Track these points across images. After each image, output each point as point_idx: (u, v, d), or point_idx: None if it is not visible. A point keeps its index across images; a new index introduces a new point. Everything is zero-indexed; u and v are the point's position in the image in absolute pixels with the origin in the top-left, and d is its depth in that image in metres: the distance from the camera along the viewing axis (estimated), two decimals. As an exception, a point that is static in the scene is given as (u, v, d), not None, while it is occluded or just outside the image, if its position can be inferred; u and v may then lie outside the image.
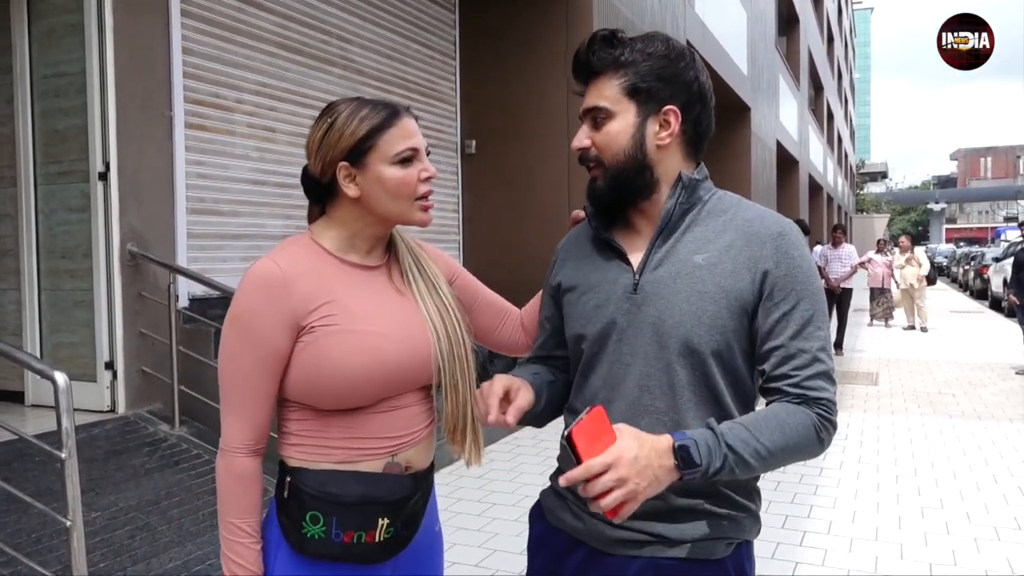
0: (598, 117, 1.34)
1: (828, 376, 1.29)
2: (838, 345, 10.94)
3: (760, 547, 3.88)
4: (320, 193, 1.44)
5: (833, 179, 40.01)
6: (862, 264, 14.86)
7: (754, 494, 1.39)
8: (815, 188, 32.22)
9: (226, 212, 5.33)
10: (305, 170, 1.45)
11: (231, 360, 1.37)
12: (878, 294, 14.34)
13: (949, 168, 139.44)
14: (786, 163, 23.60)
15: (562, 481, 1.16)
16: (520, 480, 4.78)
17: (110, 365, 4.46)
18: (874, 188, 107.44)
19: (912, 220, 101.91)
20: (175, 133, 4.83)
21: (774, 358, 1.28)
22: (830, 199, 38.01)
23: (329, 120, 1.40)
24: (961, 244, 53.77)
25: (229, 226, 5.36)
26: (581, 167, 1.40)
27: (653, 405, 1.30)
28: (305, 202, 1.51)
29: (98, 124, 4.42)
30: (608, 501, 1.11)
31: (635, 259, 1.36)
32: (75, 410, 2.68)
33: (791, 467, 5.32)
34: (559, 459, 1.32)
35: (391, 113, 1.39)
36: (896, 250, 14.33)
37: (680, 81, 1.36)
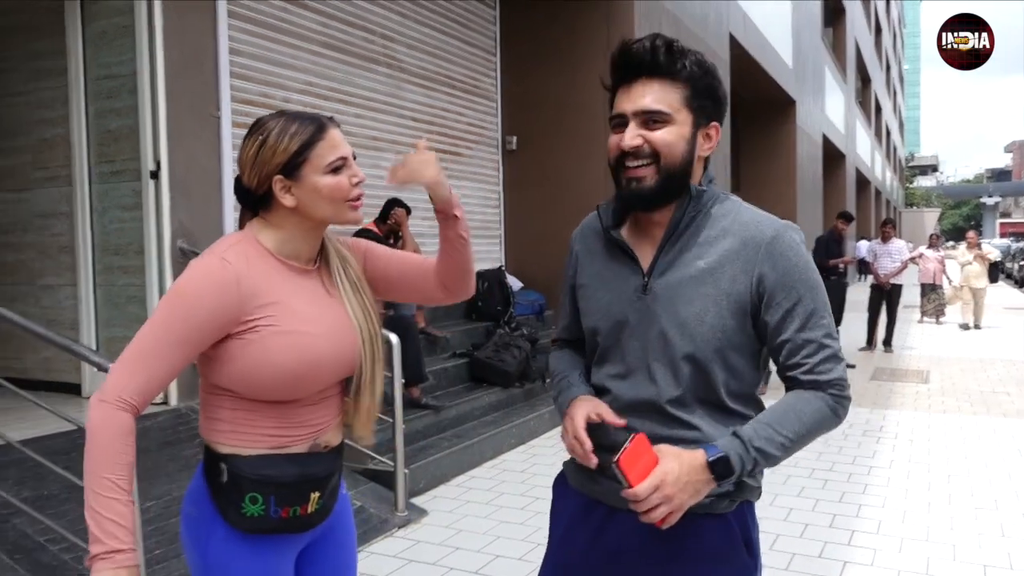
0: (654, 119, 1.40)
1: (836, 358, 1.41)
2: (887, 342, 10.71)
3: (807, 546, 3.84)
4: (255, 203, 1.53)
5: (881, 173, 39.17)
6: (913, 259, 14.53)
7: None
8: (862, 182, 31.59)
9: (272, 209, 5.41)
10: (239, 181, 1.53)
11: (157, 327, 1.42)
12: (929, 290, 14.00)
13: (1003, 160, 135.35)
14: (832, 157, 23.17)
15: (589, 464, 1.39)
16: (532, 482, 4.77)
17: (162, 359, 4.56)
18: (924, 182, 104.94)
19: (964, 215, 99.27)
20: (223, 132, 4.92)
21: (785, 351, 1.41)
22: (878, 193, 37.23)
23: (261, 137, 1.48)
24: (1016, 239, 52.22)
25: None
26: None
27: (660, 396, 1.43)
28: None
29: (149, 124, 4.53)
30: (656, 515, 1.28)
31: (644, 261, 1.46)
32: (130, 402, 2.75)
33: (839, 466, 5.24)
34: (589, 432, 1.45)
35: (318, 127, 1.48)
36: (961, 245, 13.88)
37: (722, 100, 1.47)
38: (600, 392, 1.52)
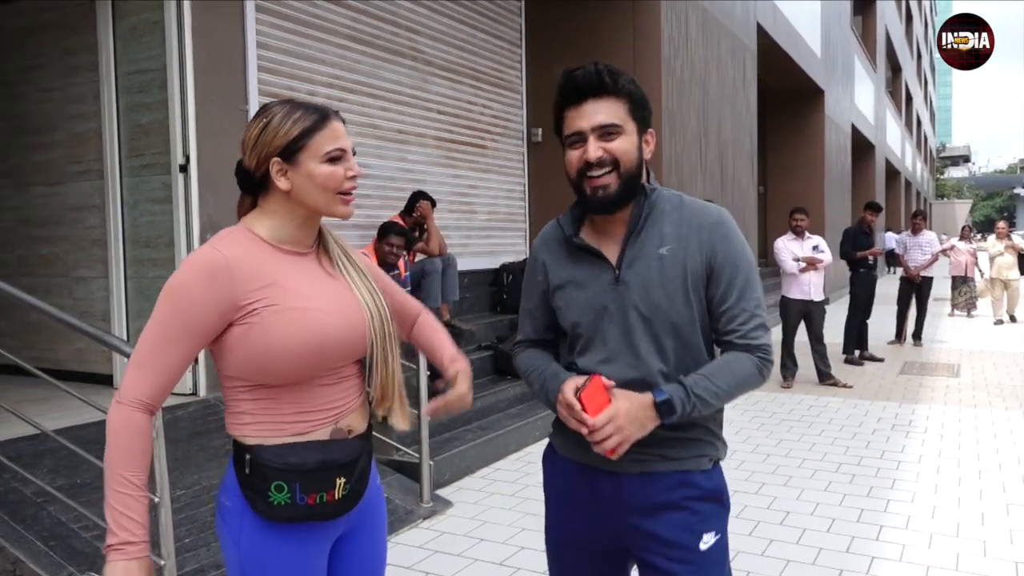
0: (610, 132, 1.62)
1: (764, 327, 1.67)
2: (917, 336, 10.55)
3: (834, 541, 3.82)
4: (253, 186, 1.57)
5: (911, 164, 38.57)
6: (944, 252, 14.31)
7: (719, 425, 1.77)
8: (892, 173, 31.13)
9: (299, 202, 5.46)
10: (240, 164, 1.57)
11: (159, 324, 1.47)
12: (960, 283, 13.77)
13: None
14: (861, 148, 22.85)
15: (583, 431, 1.55)
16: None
17: (191, 350, 4.62)
18: (955, 173, 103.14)
19: (996, 206, 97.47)
20: (251, 126, 4.96)
21: (724, 318, 1.65)
22: (908, 184, 36.68)
23: (265, 120, 1.52)
24: (1050, 231, 51.17)
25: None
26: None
27: (644, 365, 1.65)
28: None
29: (178, 119, 4.59)
30: (609, 444, 1.54)
31: (610, 256, 1.68)
32: (161, 392, 2.79)
33: (867, 461, 5.19)
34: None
35: (322, 116, 1.53)
36: (991, 237, 13.58)
37: (651, 111, 1.71)
38: (590, 372, 1.68)
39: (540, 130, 8.36)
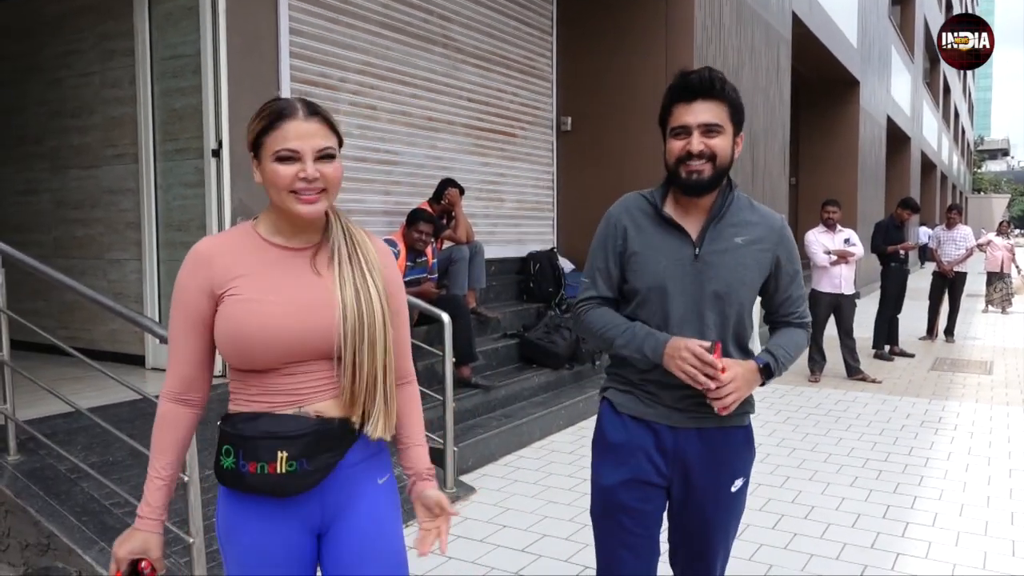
0: (712, 129, 1.88)
1: (808, 305, 2.10)
2: (949, 332, 10.38)
3: (859, 536, 3.79)
4: None
5: (948, 157, 37.83)
6: (980, 247, 14.04)
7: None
8: (928, 166, 30.56)
9: (329, 188, 5.49)
10: None
11: (171, 319, 1.64)
12: (996, 279, 13.52)
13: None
14: (897, 140, 22.44)
15: (711, 385, 1.82)
16: (580, 463, 4.78)
17: (222, 333, 4.69)
18: (993, 166, 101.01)
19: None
20: (282, 112, 5.00)
21: (787, 302, 2.04)
22: (944, 178, 36.00)
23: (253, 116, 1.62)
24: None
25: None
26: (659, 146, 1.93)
27: (709, 336, 1.92)
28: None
29: (211, 104, 4.64)
30: (729, 400, 1.83)
31: (692, 235, 1.94)
32: (192, 374, 2.84)
33: (895, 457, 5.14)
34: (618, 368, 2.05)
35: (277, 117, 1.56)
36: None
37: (744, 118, 1.97)
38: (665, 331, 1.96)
39: (569, 119, 8.32)
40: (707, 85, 1.88)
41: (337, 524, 1.64)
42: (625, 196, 2.05)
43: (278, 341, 1.54)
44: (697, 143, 1.87)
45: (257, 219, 1.66)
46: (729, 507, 2.03)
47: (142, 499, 1.63)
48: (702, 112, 1.87)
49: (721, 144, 1.88)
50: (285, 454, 1.54)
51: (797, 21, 11.56)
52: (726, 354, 1.92)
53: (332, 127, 1.60)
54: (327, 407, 1.60)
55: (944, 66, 32.60)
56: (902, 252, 9.01)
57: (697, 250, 1.92)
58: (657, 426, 1.97)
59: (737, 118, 1.93)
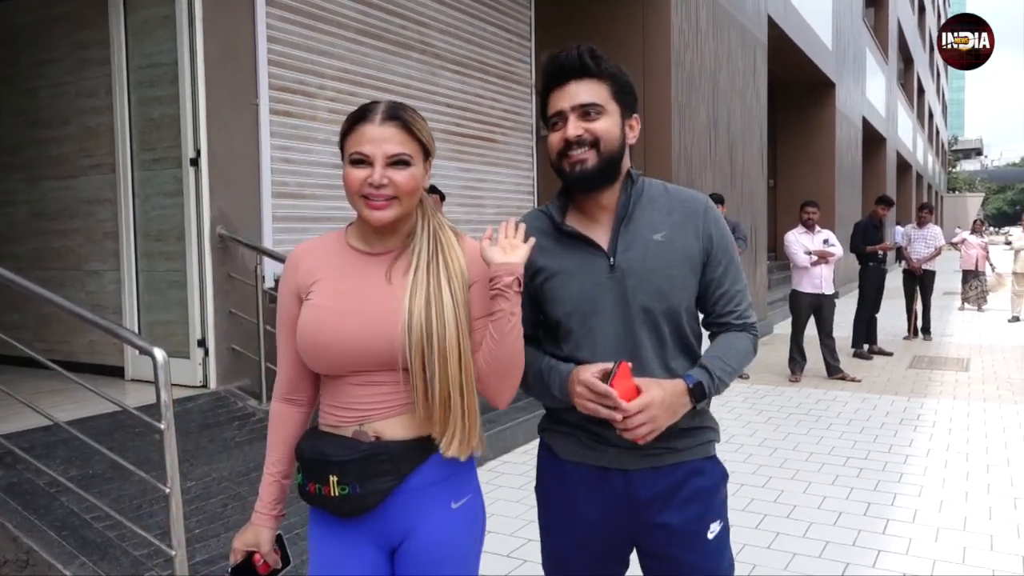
0: (592, 112, 1.61)
1: (751, 304, 1.76)
2: (925, 330, 10.51)
3: (840, 534, 3.83)
4: None
5: (923, 157, 38.30)
6: (955, 245, 14.23)
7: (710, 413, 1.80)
8: (903, 166, 30.93)
9: (309, 196, 5.49)
10: None
11: (276, 323, 1.69)
12: (971, 277, 13.69)
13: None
14: (873, 140, 22.71)
15: (616, 417, 1.51)
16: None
17: (202, 343, 4.67)
18: (968, 166, 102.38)
19: (1009, 199, 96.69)
20: (261, 120, 4.99)
21: (722, 300, 1.71)
22: (919, 177, 36.44)
23: None
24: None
25: (312, 209, 5.52)
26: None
27: (648, 358, 1.64)
28: None
29: (189, 112, 4.61)
30: (641, 432, 1.52)
31: (602, 244, 1.66)
32: (171, 385, 2.83)
33: (875, 455, 5.19)
34: (554, 409, 1.75)
35: (356, 119, 1.55)
36: (1017, 229, 13.13)
37: (636, 97, 1.71)
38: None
39: (549, 123, 8.35)
40: (576, 64, 1.62)
41: (403, 547, 1.59)
42: (525, 214, 1.77)
43: (332, 348, 1.54)
44: (573, 128, 1.60)
45: (351, 224, 1.67)
46: (710, 557, 1.68)
47: (258, 497, 1.69)
48: (576, 92, 1.61)
49: (603, 127, 1.61)
50: (336, 478, 1.53)
51: (772, 24, 11.67)
52: (667, 373, 1.63)
53: (413, 134, 1.55)
54: (390, 426, 1.55)
55: (917, 67, 33.04)
56: (880, 252, 9.12)
57: (612, 260, 1.63)
58: (606, 472, 1.68)
59: (622, 97, 1.65)
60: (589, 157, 1.60)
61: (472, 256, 1.61)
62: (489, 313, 1.55)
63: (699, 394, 1.60)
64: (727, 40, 9.78)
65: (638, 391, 1.53)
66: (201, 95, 4.58)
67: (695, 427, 1.70)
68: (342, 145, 1.57)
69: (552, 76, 1.65)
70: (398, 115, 1.54)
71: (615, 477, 1.67)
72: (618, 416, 1.51)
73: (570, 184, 1.66)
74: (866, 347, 9.21)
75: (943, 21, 50.24)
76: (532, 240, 1.59)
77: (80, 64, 5.20)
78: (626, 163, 1.68)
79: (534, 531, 3.91)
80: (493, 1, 7.63)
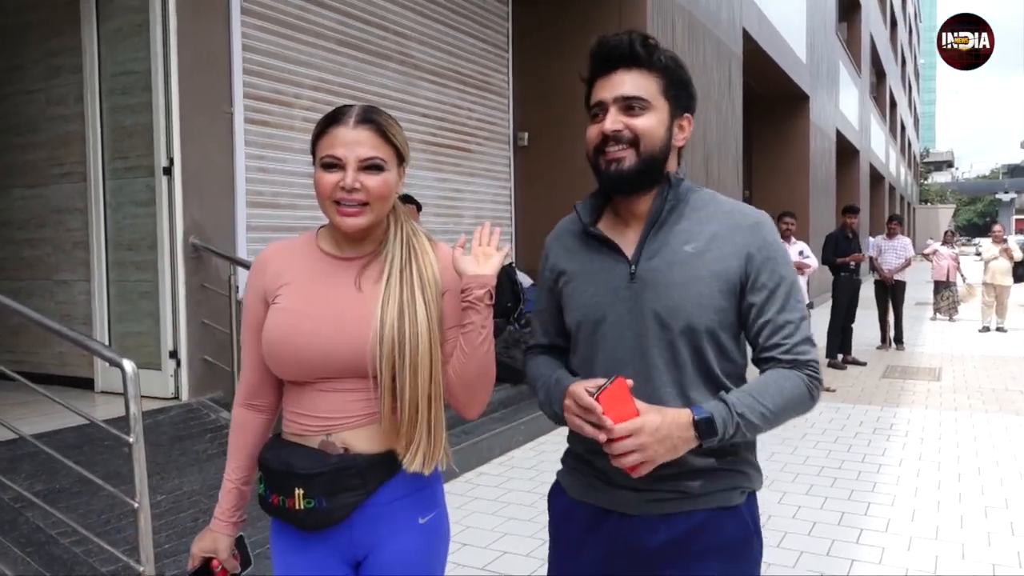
0: (635, 106, 1.45)
1: (811, 340, 1.47)
2: (898, 340, 10.64)
3: (815, 544, 3.84)
4: None
5: (896, 168, 38.87)
6: (926, 256, 14.43)
7: (754, 449, 1.54)
8: (876, 178, 31.35)
9: (284, 205, 5.45)
10: None
11: (241, 326, 1.65)
12: (943, 287, 13.88)
13: (1020, 156, 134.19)
14: (846, 152, 23.01)
15: (600, 437, 1.33)
16: (540, 479, 4.78)
17: (174, 354, 4.61)
18: (939, 178, 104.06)
19: (979, 211, 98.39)
20: (236, 129, 4.95)
21: (766, 331, 1.44)
22: (892, 189, 36.95)
23: None
24: (1032, 236, 51.72)
25: (287, 219, 5.48)
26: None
27: (660, 380, 1.44)
28: None
29: (163, 120, 4.56)
30: (627, 461, 1.32)
31: (627, 251, 1.49)
32: (141, 397, 2.78)
33: (849, 464, 5.22)
34: (569, 438, 1.60)
35: (328, 121, 1.50)
36: (985, 241, 13.23)
37: (694, 94, 1.54)
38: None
39: (526, 134, 8.37)
40: (626, 51, 1.46)
41: (368, 560, 1.55)
42: (565, 217, 1.66)
43: (300, 352, 1.49)
44: (612, 121, 1.44)
45: (322, 227, 1.62)
46: None
47: (217, 503, 1.66)
48: (621, 83, 1.45)
49: (646, 124, 1.44)
50: (302, 491, 1.48)
51: (747, 37, 11.80)
52: (683, 402, 1.42)
53: (388, 138, 1.50)
54: (358, 437, 1.51)
55: (890, 80, 33.57)
56: (852, 263, 9.22)
57: (633, 268, 1.46)
58: (607, 515, 1.50)
59: (674, 93, 1.49)
60: (627, 156, 1.44)
61: (446, 263, 1.57)
62: (460, 324, 1.53)
63: (706, 430, 1.34)
64: (703, 52, 9.87)
65: (638, 413, 1.34)
66: (175, 103, 4.53)
67: (720, 469, 1.45)
68: (314, 149, 1.52)
69: (599, 62, 1.49)
70: (372, 118, 1.49)
71: (617, 521, 1.49)
72: (602, 436, 1.33)
73: (604, 184, 1.51)
74: (840, 357, 9.29)
75: (914, 35, 51.14)
76: (506, 248, 1.55)
77: (51, 71, 5.14)
78: (670, 166, 1.51)
79: (509, 544, 3.90)
80: (471, 13, 7.64)
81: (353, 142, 1.47)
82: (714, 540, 1.44)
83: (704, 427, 1.34)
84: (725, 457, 1.45)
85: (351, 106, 1.52)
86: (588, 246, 1.54)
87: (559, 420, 1.50)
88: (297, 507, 1.48)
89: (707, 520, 1.44)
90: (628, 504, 1.47)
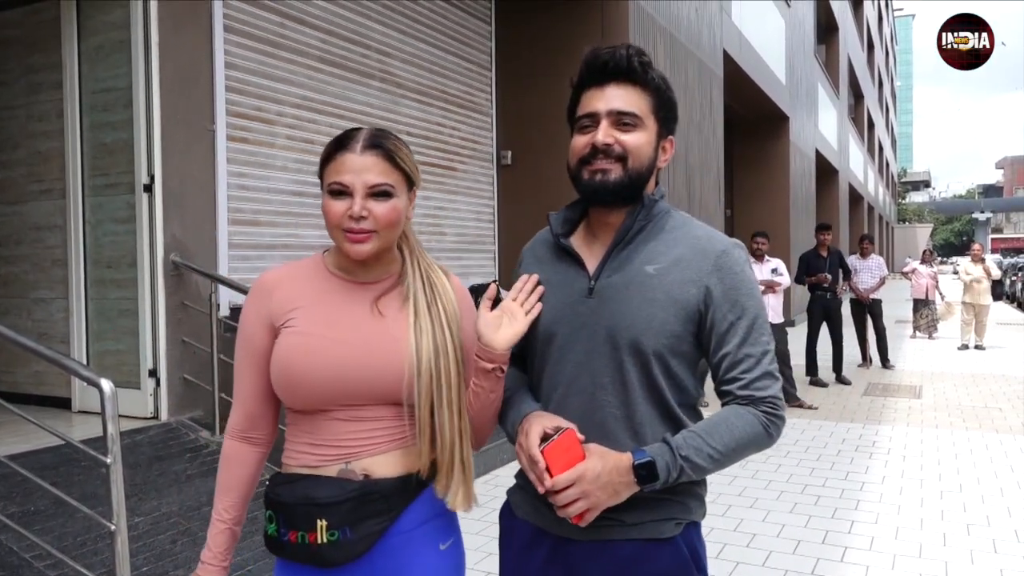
0: (626, 121, 1.44)
1: (772, 375, 1.43)
2: (884, 358, 10.66)
3: (800, 563, 3.83)
4: None
5: (874, 188, 39.36)
6: (905, 275, 14.58)
7: (701, 480, 1.48)
8: (855, 198, 31.73)
9: (265, 223, 5.42)
10: None
11: (235, 355, 1.55)
12: (921, 306, 14.02)
13: (995, 177, 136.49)
14: (825, 173, 23.28)
15: (539, 489, 1.35)
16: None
17: (153, 373, 4.55)
18: (917, 197, 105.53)
19: (956, 230, 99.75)
20: (218, 146, 4.93)
21: (725, 364, 1.41)
22: (871, 208, 37.40)
23: None
24: (1009, 255, 52.47)
25: (269, 237, 5.45)
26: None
27: (606, 400, 1.42)
28: None
29: (143, 137, 4.53)
30: (571, 510, 1.33)
31: (591, 266, 1.48)
32: (119, 416, 2.74)
33: (832, 482, 5.23)
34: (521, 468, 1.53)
35: (336, 147, 1.46)
36: (963, 260, 13.24)
37: (676, 119, 1.53)
38: (544, 404, 1.50)
39: (509, 152, 8.40)
40: (623, 65, 1.45)
41: None
42: (545, 228, 1.64)
43: (331, 378, 1.42)
44: (604, 134, 1.43)
45: (328, 249, 1.57)
46: None
47: (205, 544, 1.53)
48: (615, 96, 1.44)
49: (636, 141, 1.43)
50: (325, 523, 1.39)
51: (728, 59, 11.94)
52: (627, 424, 1.42)
53: (396, 163, 1.46)
54: (378, 463, 1.45)
55: (867, 102, 34.07)
56: (824, 282, 9.23)
57: (592, 283, 1.45)
58: (546, 536, 1.49)
59: (663, 114, 1.48)
60: (614, 169, 1.42)
61: (460, 296, 1.56)
62: (469, 381, 1.50)
63: (646, 475, 1.33)
64: (684, 74, 9.97)
65: (584, 457, 1.35)
66: (156, 120, 4.51)
67: (655, 499, 1.42)
68: (321, 174, 1.48)
69: (593, 72, 1.47)
70: (380, 143, 1.45)
71: (556, 545, 1.48)
72: (540, 488, 1.34)
73: (584, 193, 1.48)
74: (835, 377, 9.37)
75: (890, 58, 51.98)
76: (536, 311, 1.48)
77: (31, 88, 5.09)
78: (649, 187, 1.49)
79: (494, 564, 3.86)
80: (454, 32, 7.68)
81: (361, 168, 1.43)
82: (648, 570, 1.42)
83: (643, 472, 1.33)
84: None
85: (358, 130, 1.48)
86: (557, 257, 1.53)
87: (513, 441, 1.49)
88: (319, 541, 1.40)
89: (640, 550, 1.42)
90: (564, 528, 1.45)
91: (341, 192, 1.44)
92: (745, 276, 1.44)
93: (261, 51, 5.43)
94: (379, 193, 1.44)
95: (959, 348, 12.71)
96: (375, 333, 1.46)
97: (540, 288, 1.50)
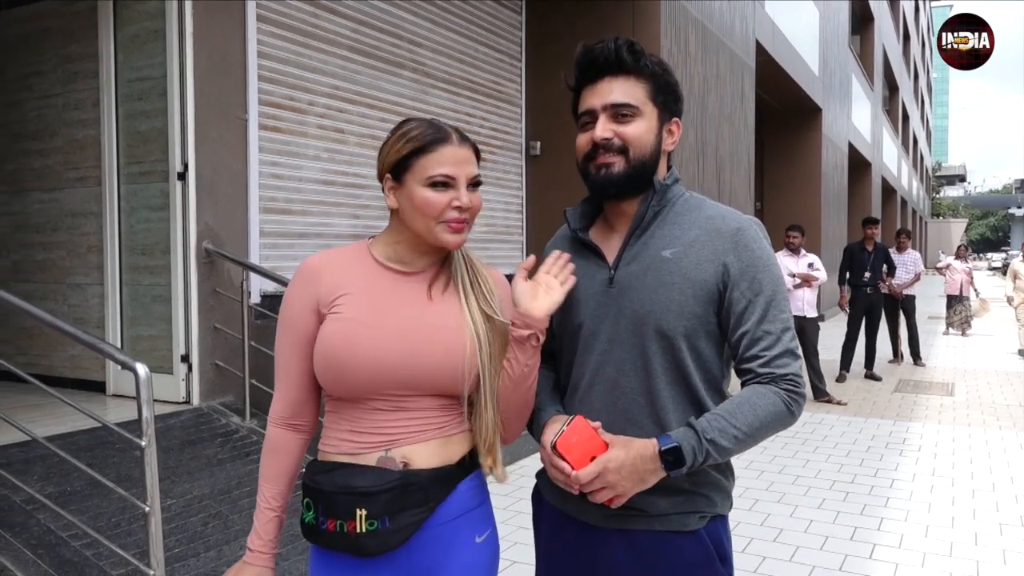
0: (624, 113, 1.46)
1: (792, 353, 1.43)
2: (916, 355, 10.51)
3: (827, 559, 3.80)
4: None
5: (908, 182, 38.73)
6: (939, 270, 14.34)
7: (727, 472, 1.51)
8: (888, 191, 31.25)
9: (297, 211, 5.47)
10: None
11: (277, 341, 1.54)
12: (955, 302, 13.79)
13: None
14: (858, 166, 22.93)
15: (573, 491, 1.38)
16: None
17: (185, 358, 4.62)
18: (951, 192, 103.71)
19: (991, 225, 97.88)
20: (250, 135, 4.98)
21: (744, 341, 1.41)
22: (904, 203, 36.82)
23: (390, 134, 1.51)
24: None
25: (300, 225, 5.49)
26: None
27: (629, 386, 1.44)
28: (372, 202, 1.55)
29: (178, 126, 4.59)
30: (599, 497, 1.36)
31: (610, 256, 1.50)
32: (153, 400, 2.79)
33: (861, 479, 5.17)
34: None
35: (435, 139, 1.45)
36: (1016, 258, 12.38)
37: (681, 97, 1.54)
38: (571, 395, 1.53)
39: (538, 143, 8.38)
40: (612, 58, 1.46)
41: None
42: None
43: (377, 366, 1.41)
44: (602, 129, 1.45)
45: (373, 239, 1.56)
46: None
47: (252, 530, 1.53)
48: (609, 91, 1.46)
49: (635, 131, 1.45)
50: (364, 512, 1.39)
51: (760, 50, 11.79)
52: (651, 409, 1.43)
53: (479, 156, 1.51)
54: (417, 453, 1.45)
55: (903, 94, 33.49)
56: (866, 277, 9.12)
57: (612, 273, 1.48)
58: (572, 522, 1.51)
59: (662, 98, 1.49)
60: (616, 162, 1.46)
61: (500, 285, 1.59)
62: (506, 357, 1.49)
63: (673, 461, 1.33)
64: (715, 64, 9.87)
65: (605, 446, 1.35)
66: (190, 109, 4.56)
67: (683, 489, 1.43)
68: (403, 165, 1.46)
69: (585, 70, 1.50)
70: (467, 137, 1.50)
71: (583, 531, 1.50)
72: (574, 488, 1.37)
73: (593, 189, 1.51)
74: (865, 372, 9.27)
75: (926, 49, 51.01)
76: (571, 282, 1.47)
77: (68, 77, 5.18)
78: (659, 171, 1.51)
79: (520, 553, 3.88)
80: (484, 22, 7.67)
81: (464, 160, 1.46)
82: (672, 562, 1.43)
83: (670, 458, 1.33)
84: (690, 477, 1.41)
85: (436, 124, 1.48)
86: (577, 251, 1.55)
87: (538, 439, 1.51)
88: (358, 530, 1.39)
89: (664, 542, 1.43)
90: (590, 515, 1.47)
91: (444, 184, 1.44)
92: (763, 252, 1.45)
93: (293, 40, 5.46)
94: (476, 184, 1.48)
95: (1020, 352, 11.72)
96: (421, 323, 1.46)
97: (572, 265, 1.50)
